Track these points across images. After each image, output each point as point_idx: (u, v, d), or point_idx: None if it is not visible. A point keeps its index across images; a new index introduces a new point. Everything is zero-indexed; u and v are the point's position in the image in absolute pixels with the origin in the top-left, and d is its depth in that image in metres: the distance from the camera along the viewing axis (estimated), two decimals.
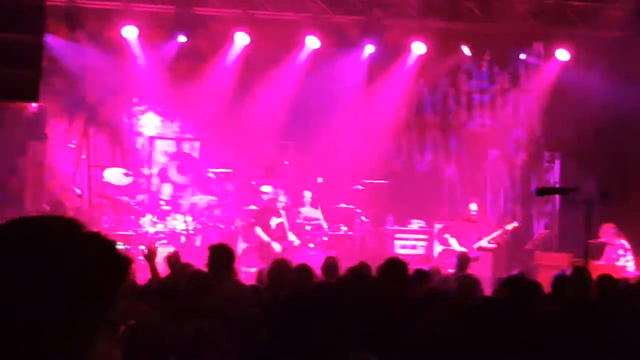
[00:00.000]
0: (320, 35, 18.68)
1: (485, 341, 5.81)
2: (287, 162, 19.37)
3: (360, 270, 9.35)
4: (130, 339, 5.93)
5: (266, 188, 18.43)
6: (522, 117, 19.72)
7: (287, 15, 18.53)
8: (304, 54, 19.01)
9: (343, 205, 18.14)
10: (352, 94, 19.47)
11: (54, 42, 17.38)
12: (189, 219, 17.33)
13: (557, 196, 19.00)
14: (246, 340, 6.55)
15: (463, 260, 12.82)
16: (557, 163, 19.81)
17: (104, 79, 18.40)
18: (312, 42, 18.75)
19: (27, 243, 1.97)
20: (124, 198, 17.38)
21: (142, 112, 19.25)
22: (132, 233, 16.79)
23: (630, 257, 16.32)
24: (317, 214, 17.95)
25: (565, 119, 18.41)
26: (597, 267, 13.90)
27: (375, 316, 5.69)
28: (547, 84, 19.41)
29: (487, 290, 10.48)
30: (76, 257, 1.96)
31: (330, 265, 10.53)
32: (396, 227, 18.31)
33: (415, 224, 18.48)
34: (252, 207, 18.10)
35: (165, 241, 16.54)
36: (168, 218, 17.19)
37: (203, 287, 7.76)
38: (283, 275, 9.24)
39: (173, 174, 19.06)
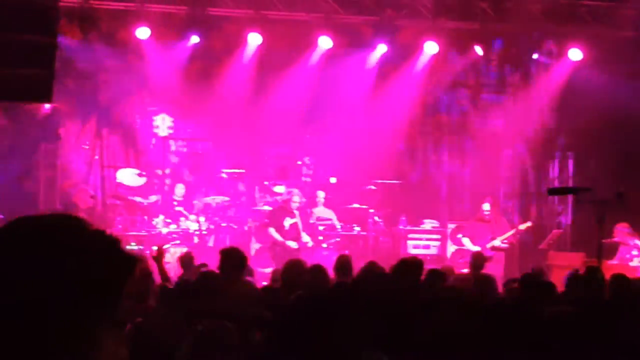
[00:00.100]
0: (333, 36, 18.68)
1: (499, 341, 5.80)
2: (299, 163, 19.40)
3: (374, 270, 9.33)
4: (136, 337, 5.94)
5: (279, 188, 18.45)
6: (534, 117, 19.66)
7: (299, 16, 18.53)
8: (316, 54, 19.01)
9: (356, 205, 18.14)
10: (364, 94, 19.47)
11: (67, 43, 17.41)
12: (202, 219, 17.34)
13: (570, 196, 18.95)
14: (255, 341, 6.56)
15: (479, 260, 12.77)
16: (570, 163, 19.79)
17: (117, 79, 18.44)
18: (325, 43, 18.75)
19: (32, 241, 1.96)
20: (137, 199, 17.40)
21: (155, 113, 19.28)
22: (145, 233, 16.80)
23: None
24: (330, 214, 17.94)
25: (577, 118, 18.38)
26: (611, 267, 13.86)
27: (390, 316, 5.69)
28: (559, 83, 19.36)
29: (500, 289, 10.46)
30: (81, 255, 1.95)
31: (342, 263, 10.49)
32: (409, 227, 18.28)
33: (428, 224, 18.46)
34: (265, 207, 18.11)
35: (178, 241, 16.57)
36: (181, 218, 17.20)
37: (214, 288, 7.78)
38: (297, 275, 9.23)
39: (186, 174, 19.10)
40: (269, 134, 19.12)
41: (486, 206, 17.43)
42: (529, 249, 18.16)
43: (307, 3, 18.37)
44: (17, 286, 1.91)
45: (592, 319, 6.89)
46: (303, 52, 18.98)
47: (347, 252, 15.45)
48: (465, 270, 13.43)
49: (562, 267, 14.97)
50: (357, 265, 10.40)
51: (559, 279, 10.46)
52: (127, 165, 18.61)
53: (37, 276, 1.91)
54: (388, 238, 18.52)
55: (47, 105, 17.50)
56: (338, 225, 17.80)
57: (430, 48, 19.05)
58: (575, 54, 19.01)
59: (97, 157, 18.58)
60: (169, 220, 17.04)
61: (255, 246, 17.61)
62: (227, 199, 18.15)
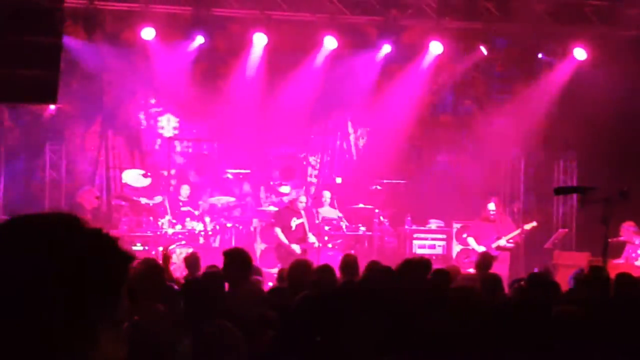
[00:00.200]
0: (338, 36, 18.69)
1: (506, 340, 5.80)
2: (305, 163, 19.41)
3: (378, 269, 9.32)
4: (134, 335, 5.93)
5: (285, 189, 18.45)
6: (539, 116, 19.64)
7: (304, 16, 18.54)
8: (321, 54, 19.01)
9: (362, 205, 18.13)
10: (370, 94, 19.49)
11: (72, 43, 17.42)
12: (208, 219, 17.34)
13: (575, 195, 18.92)
14: (260, 342, 6.56)
15: (486, 260, 12.74)
16: (575, 162, 19.78)
17: (122, 80, 18.46)
18: (330, 43, 18.75)
19: (28, 240, 1.95)
20: (143, 199, 17.40)
21: (160, 114, 19.28)
22: (151, 234, 16.81)
23: None
24: (336, 214, 17.93)
25: (582, 118, 18.36)
26: (617, 266, 13.85)
27: (398, 315, 5.70)
28: (564, 82, 19.35)
29: (505, 289, 10.46)
30: (79, 253, 1.95)
31: (348, 263, 10.49)
32: (415, 227, 18.29)
33: (434, 224, 18.46)
34: (271, 207, 18.12)
35: (183, 242, 16.58)
36: (187, 219, 17.21)
37: (219, 288, 7.78)
38: (303, 275, 9.22)
39: (191, 175, 19.10)
40: (274, 135, 19.13)
41: (491, 206, 17.40)
42: (534, 248, 18.14)
43: (312, 3, 18.38)
44: (13, 285, 1.90)
45: (598, 318, 6.89)
46: (308, 52, 18.98)
47: (352, 252, 15.46)
48: (471, 270, 13.41)
49: (567, 266, 14.97)
50: (363, 266, 10.40)
51: (564, 279, 10.46)
52: (133, 166, 18.62)
53: (33, 275, 1.90)
54: (393, 238, 18.52)
55: (52, 106, 17.51)
56: (344, 225, 17.78)
57: (435, 48, 19.06)
58: (579, 54, 19.02)
59: (102, 157, 18.60)
60: (174, 221, 17.04)
61: (260, 246, 17.60)
62: (232, 199, 18.16)
